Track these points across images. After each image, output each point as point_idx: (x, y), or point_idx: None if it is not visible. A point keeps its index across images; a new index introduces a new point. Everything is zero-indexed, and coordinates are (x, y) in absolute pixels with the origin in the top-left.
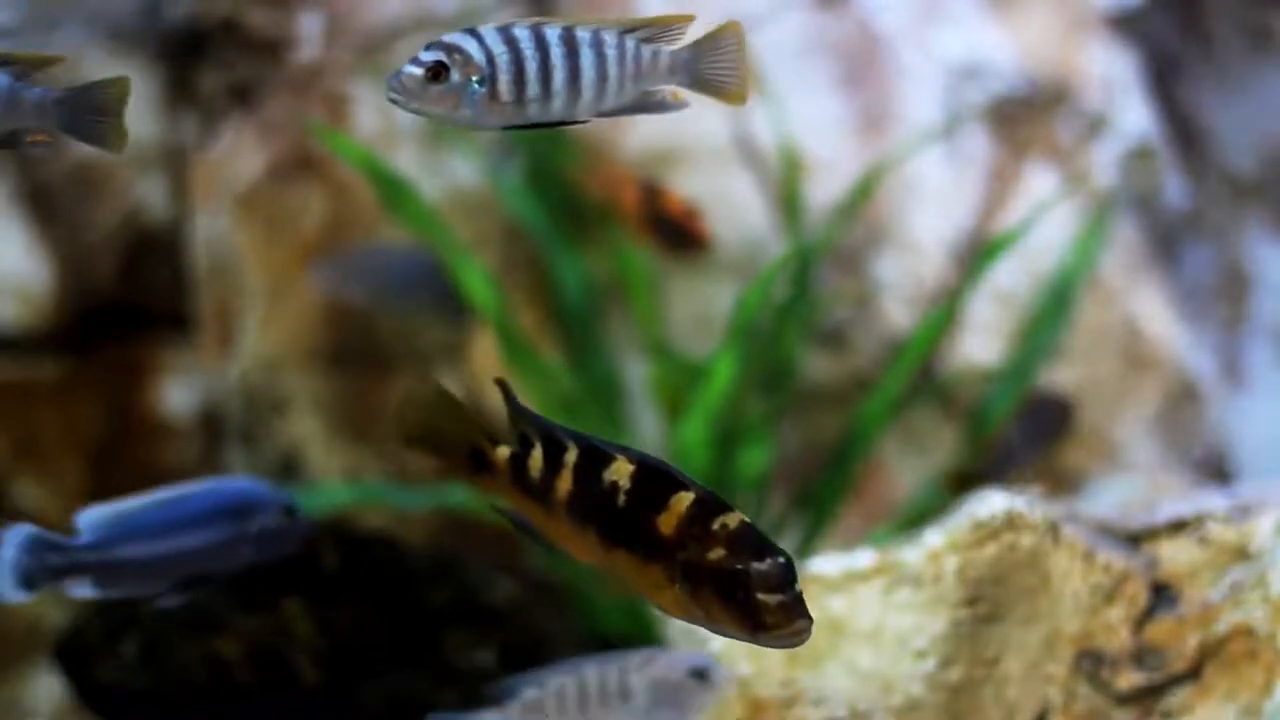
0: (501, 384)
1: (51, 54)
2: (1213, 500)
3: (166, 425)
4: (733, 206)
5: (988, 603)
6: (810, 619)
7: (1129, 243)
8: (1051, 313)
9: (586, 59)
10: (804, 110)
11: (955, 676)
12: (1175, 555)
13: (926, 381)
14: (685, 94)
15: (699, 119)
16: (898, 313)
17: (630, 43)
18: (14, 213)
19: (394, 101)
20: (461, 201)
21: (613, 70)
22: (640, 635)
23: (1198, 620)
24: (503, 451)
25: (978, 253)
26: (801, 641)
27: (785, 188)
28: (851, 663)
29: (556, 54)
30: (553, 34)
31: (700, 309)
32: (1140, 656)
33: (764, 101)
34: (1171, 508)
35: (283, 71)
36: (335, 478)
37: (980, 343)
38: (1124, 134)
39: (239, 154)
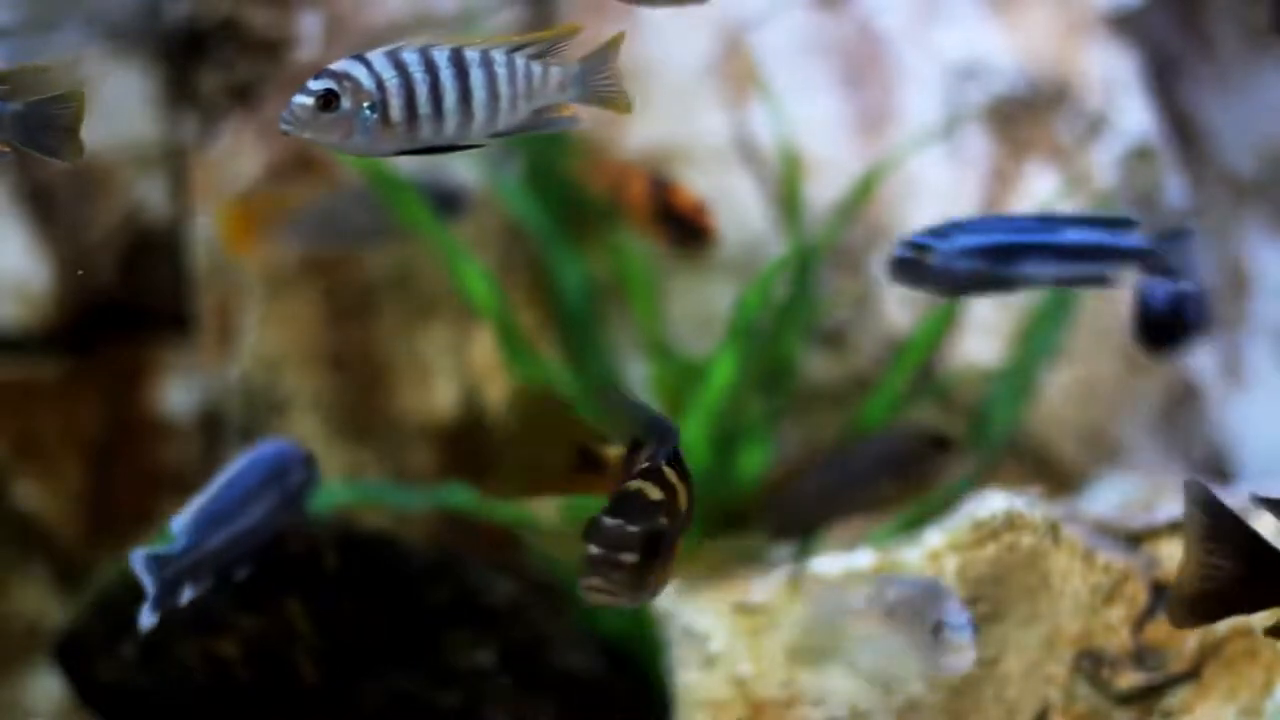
0: (610, 388)
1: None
2: None
3: (166, 425)
4: (733, 206)
5: (988, 603)
6: (608, 592)
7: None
8: (1051, 313)
9: (477, 79)
10: (804, 110)
11: (955, 676)
12: (1175, 555)
13: (926, 381)
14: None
15: (699, 119)
16: (898, 313)
17: (520, 61)
18: (14, 213)
19: (286, 133)
20: None
21: (504, 89)
22: (640, 635)
23: None
24: (614, 451)
25: None
26: (590, 601)
27: (785, 188)
28: (852, 663)
29: (446, 76)
30: (441, 56)
31: (700, 309)
32: (1140, 656)
33: (764, 101)
34: (1171, 508)
35: (283, 71)
36: (335, 478)
37: (980, 343)
38: (1124, 134)
39: (239, 154)
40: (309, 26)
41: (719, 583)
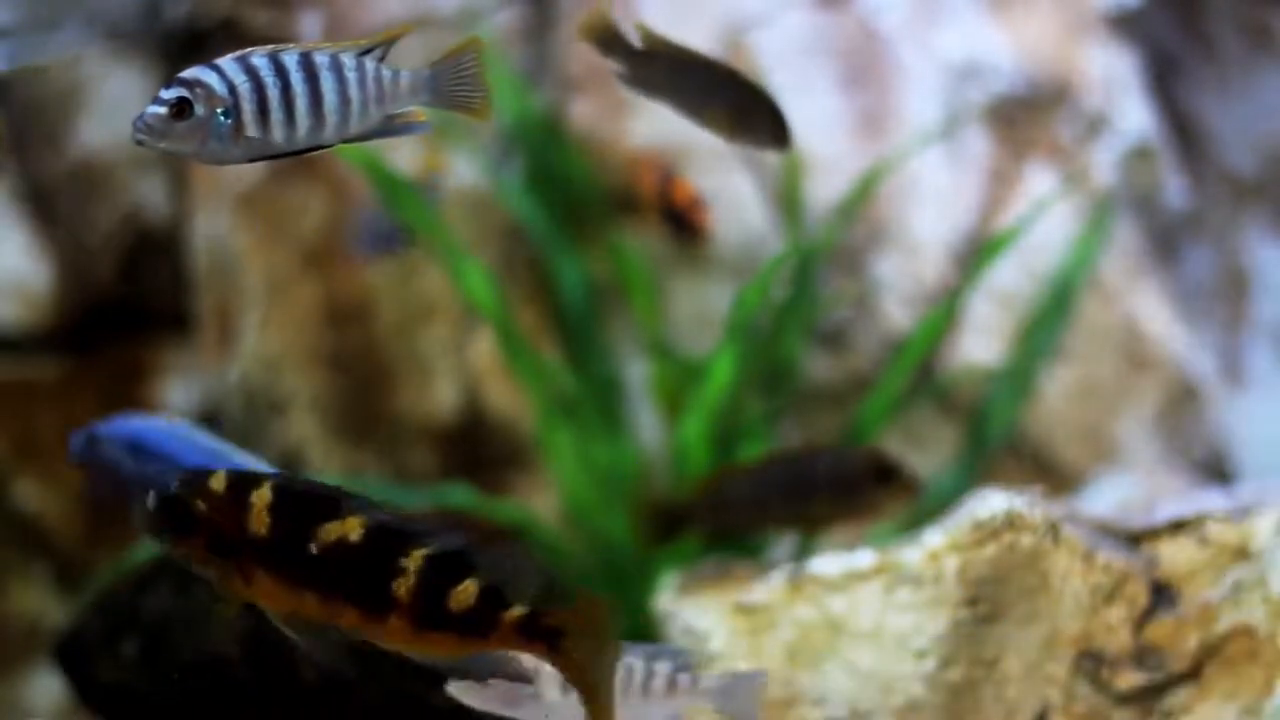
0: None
1: None
2: (1213, 500)
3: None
4: (733, 206)
5: (988, 603)
6: (160, 535)
7: (1129, 243)
8: (1051, 313)
9: (327, 84)
10: (804, 110)
11: (955, 676)
12: (1175, 555)
13: (926, 381)
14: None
15: None
16: (898, 313)
17: (370, 65)
18: (14, 213)
19: (140, 142)
20: (461, 201)
21: (354, 94)
22: (642, 636)
23: (1198, 620)
24: None
25: (977, 253)
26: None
27: (785, 188)
28: (852, 663)
29: (297, 80)
30: (291, 60)
31: (700, 309)
32: (1140, 656)
33: None
34: (1171, 508)
35: None
36: (335, 478)
37: (980, 343)
38: (1124, 134)
39: None
40: (309, 26)
41: (719, 583)
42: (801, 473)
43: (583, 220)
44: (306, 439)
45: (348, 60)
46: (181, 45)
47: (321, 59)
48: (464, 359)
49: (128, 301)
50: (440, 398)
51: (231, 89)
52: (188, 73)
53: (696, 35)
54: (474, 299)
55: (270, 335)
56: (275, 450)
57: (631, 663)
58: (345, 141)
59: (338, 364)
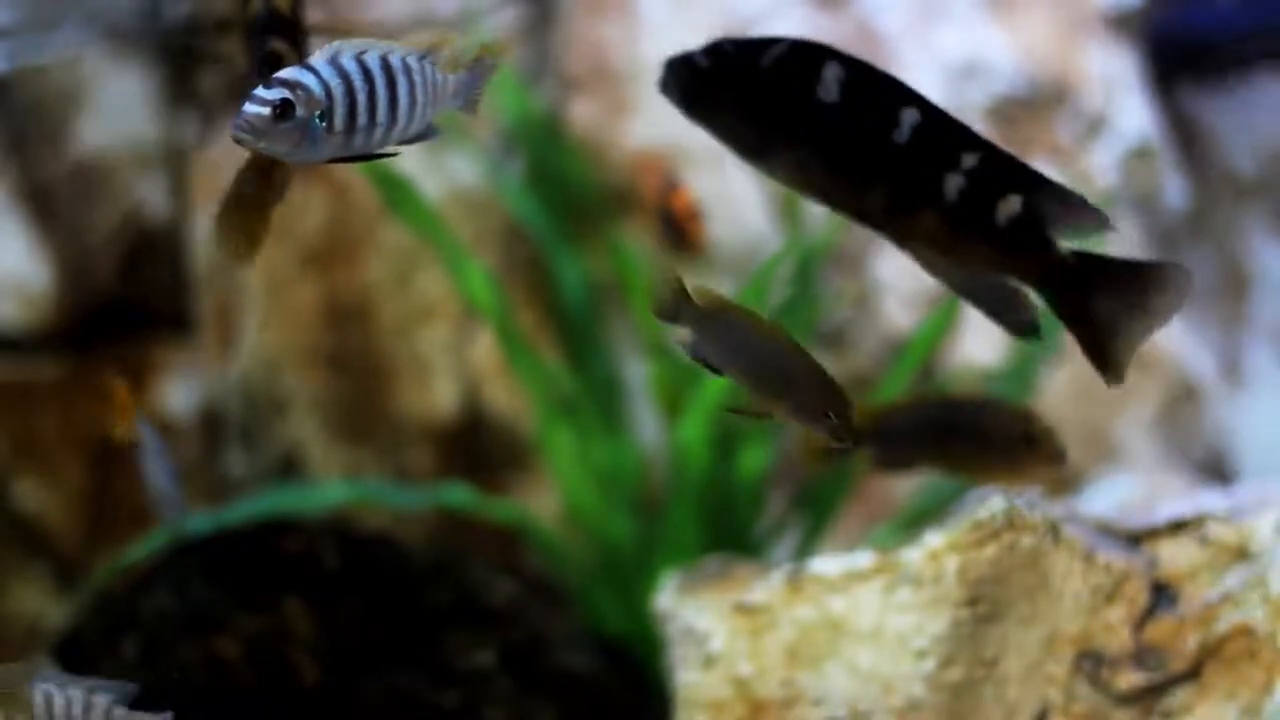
0: None
1: None
2: (1213, 500)
3: (167, 425)
4: (733, 206)
5: (988, 603)
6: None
7: (1129, 243)
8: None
9: (402, 87)
10: None
11: (955, 676)
12: (1175, 555)
13: (927, 381)
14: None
15: None
16: (898, 313)
17: (429, 67)
18: (14, 213)
19: (240, 141)
20: (461, 201)
21: (420, 96)
22: (640, 635)
23: (1198, 620)
24: None
25: None
26: None
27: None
28: (851, 663)
29: (380, 83)
30: (374, 63)
31: None
32: (1140, 656)
33: None
34: (1171, 508)
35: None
36: (335, 478)
37: (980, 343)
38: (1124, 134)
39: (239, 154)
40: None
41: (719, 583)
42: (955, 421)
43: (583, 220)
44: (306, 439)
45: (414, 63)
46: (182, 45)
47: (396, 61)
48: (464, 359)
49: (128, 301)
50: (440, 398)
51: (328, 92)
52: (287, 73)
53: (697, 34)
54: (474, 299)
55: (270, 335)
56: (275, 450)
57: (70, 694)
58: (404, 143)
59: (338, 364)
